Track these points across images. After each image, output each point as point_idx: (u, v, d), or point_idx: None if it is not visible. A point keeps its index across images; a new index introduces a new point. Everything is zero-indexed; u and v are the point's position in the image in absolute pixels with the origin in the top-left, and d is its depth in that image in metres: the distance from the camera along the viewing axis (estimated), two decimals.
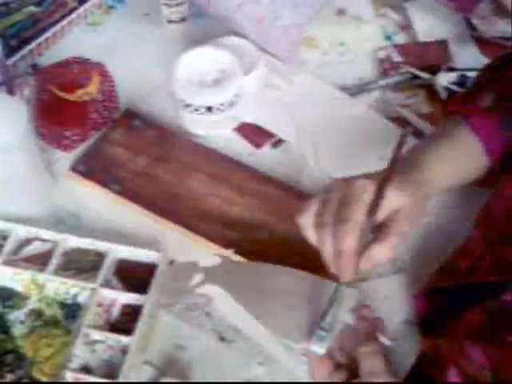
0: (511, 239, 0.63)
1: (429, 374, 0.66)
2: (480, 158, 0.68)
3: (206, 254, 0.78)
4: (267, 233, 0.79)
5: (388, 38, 1.02)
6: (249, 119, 0.91)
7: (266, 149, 0.89)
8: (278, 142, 0.89)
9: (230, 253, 0.77)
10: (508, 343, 0.59)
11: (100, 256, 0.75)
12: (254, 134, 0.90)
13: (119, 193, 0.83)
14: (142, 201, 0.82)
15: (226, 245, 0.78)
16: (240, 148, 0.88)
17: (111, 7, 1.06)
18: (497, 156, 0.68)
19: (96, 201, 0.83)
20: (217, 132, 0.89)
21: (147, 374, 0.70)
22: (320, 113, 0.91)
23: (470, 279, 0.65)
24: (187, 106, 0.87)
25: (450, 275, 0.69)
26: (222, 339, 0.73)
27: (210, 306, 0.74)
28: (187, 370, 0.70)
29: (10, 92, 0.89)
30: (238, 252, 0.77)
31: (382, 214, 0.62)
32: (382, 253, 0.61)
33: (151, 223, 0.81)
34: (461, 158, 0.68)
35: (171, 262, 0.77)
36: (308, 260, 0.68)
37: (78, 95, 0.88)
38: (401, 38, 1.02)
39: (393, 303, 0.74)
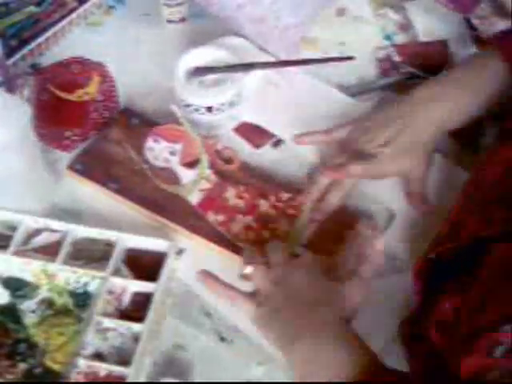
0: (506, 199, 0.64)
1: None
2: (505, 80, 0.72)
3: (206, 254, 0.78)
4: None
5: (388, 37, 1.02)
6: (249, 119, 0.91)
7: (266, 149, 0.89)
8: (278, 142, 0.89)
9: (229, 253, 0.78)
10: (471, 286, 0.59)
11: (109, 245, 0.76)
12: (254, 134, 0.90)
13: (117, 191, 0.83)
14: (140, 199, 0.82)
15: (226, 245, 0.78)
16: (240, 148, 0.88)
17: (111, 7, 1.06)
18: None
19: (94, 199, 0.83)
20: (217, 132, 0.89)
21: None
22: (319, 113, 0.91)
23: (450, 244, 0.67)
24: (187, 105, 0.87)
25: (435, 245, 0.70)
26: (222, 339, 0.73)
27: (210, 306, 0.75)
28: (187, 370, 0.70)
29: (10, 92, 0.89)
30: (236, 251, 0.77)
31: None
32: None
33: (150, 222, 0.81)
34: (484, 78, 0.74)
35: (180, 251, 0.78)
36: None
37: (78, 95, 0.89)
38: (401, 38, 1.02)
39: (393, 303, 0.74)
